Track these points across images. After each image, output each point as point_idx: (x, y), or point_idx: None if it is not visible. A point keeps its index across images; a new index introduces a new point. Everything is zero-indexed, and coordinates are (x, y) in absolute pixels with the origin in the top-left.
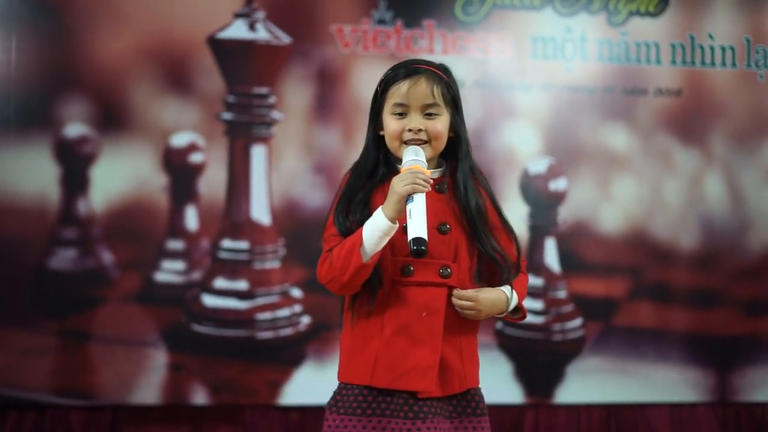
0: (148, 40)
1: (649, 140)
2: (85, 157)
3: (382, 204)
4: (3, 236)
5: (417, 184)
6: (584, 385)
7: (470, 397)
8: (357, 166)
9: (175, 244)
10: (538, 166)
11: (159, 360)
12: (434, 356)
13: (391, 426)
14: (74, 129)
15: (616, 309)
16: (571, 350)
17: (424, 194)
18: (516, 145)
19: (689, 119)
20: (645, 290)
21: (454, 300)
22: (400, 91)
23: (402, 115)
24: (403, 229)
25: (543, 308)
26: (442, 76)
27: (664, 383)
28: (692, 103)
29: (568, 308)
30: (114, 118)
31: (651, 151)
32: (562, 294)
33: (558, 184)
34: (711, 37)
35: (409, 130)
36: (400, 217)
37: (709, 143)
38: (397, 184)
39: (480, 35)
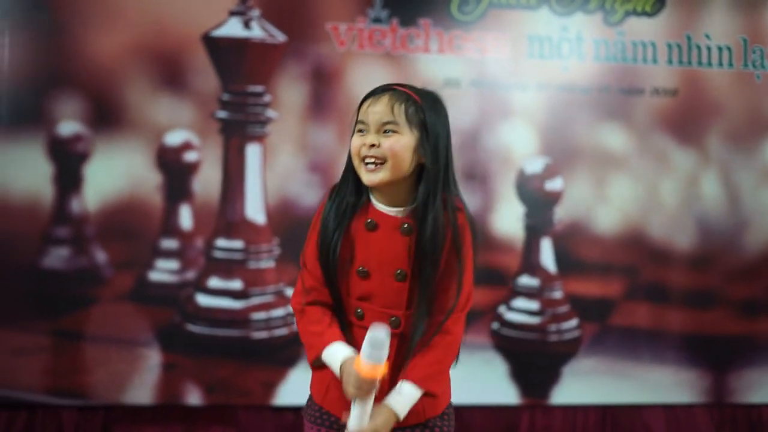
0: (142, 38)
1: (645, 140)
2: (78, 155)
3: (356, 232)
4: None
5: (363, 391)
6: (580, 385)
7: (432, 424)
8: (334, 190)
9: (169, 243)
10: (534, 165)
11: (152, 360)
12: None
13: None
14: (68, 127)
15: (611, 309)
16: (566, 351)
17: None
18: (512, 145)
19: (686, 119)
20: (641, 291)
21: None
22: (362, 109)
23: (362, 132)
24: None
25: (539, 309)
26: (415, 99)
27: (659, 384)
28: (689, 103)
29: (564, 309)
30: (108, 116)
31: (647, 151)
32: (557, 294)
33: (554, 184)
34: (708, 36)
35: (364, 146)
36: None
37: (706, 143)
38: (347, 384)
39: (476, 34)
